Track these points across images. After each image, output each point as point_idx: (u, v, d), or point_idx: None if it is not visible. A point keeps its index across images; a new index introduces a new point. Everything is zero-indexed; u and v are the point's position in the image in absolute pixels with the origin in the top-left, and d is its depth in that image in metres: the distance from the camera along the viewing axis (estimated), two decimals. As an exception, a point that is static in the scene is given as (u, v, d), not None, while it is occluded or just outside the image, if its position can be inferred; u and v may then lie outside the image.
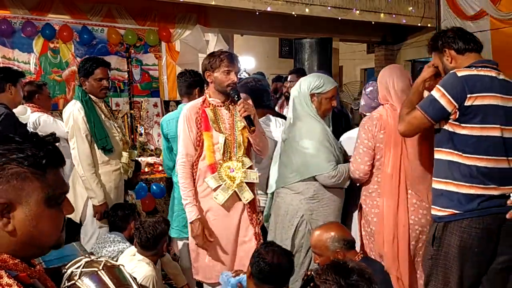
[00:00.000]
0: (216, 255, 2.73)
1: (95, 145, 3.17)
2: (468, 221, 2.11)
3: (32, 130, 3.77)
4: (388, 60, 9.05)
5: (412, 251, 2.55)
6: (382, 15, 7.71)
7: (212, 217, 2.70)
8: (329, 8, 7.22)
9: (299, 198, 2.77)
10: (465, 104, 2.09)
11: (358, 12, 7.48)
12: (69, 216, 3.46)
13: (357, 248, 2.91)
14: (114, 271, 1.27)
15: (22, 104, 3.78)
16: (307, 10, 7.05)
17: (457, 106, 2.10)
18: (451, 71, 2.19)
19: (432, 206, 2.27)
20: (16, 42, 5.90)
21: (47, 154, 1.00)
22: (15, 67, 5.36)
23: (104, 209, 3.18)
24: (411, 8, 7.91)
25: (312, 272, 2.17)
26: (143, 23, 6.67)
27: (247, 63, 11.08)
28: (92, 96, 3.22)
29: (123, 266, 1.34)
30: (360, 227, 2.80)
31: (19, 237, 0.97)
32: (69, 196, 3.72)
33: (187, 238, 3.08)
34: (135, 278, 1.33)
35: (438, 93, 2.14)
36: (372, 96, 2.95)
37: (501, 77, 2.18)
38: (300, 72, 5.32)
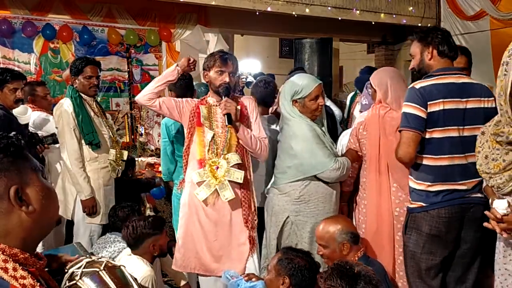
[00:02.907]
0: (201, 247, 2.72)
1: (83, 141, 3.22)
2: (435, 211, 2.35)
3: (32, 129, 3.78)
4: (388, 60, 9.05)
5: (397, 242, 2.67)
6: (382, 15, 7.71)
7: (203, 212, 2.69)
8: (329, 8, 7.22)
9: (285, 199, 2.78)
10: (428, 110, 2.31)
11: (358, 12, 7.48)
12: (59, 213, 3.47)
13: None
14: (115, 272, 1.27)
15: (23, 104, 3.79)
16: (307, 10, 7.05)
17: (426, 112, 2.31)
18: (409, 87, 2.42)
19: (409, 199, 2.50)
20: (16, 42, 5.92)
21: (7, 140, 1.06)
22: (16, 68, 5.38)
23: (91, 204, 3.20)
24: (411, 8, 7.91)
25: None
26: (143, 23, 6.68)
27: (253, 66, 11.07)
28: (83, 95, 3.29)
29: (124, 266, 1.34)
30: (357, 219, 2.90)
31: (37, 215, 1.04)
32: (59, 193, 3.70)
33: None
34: (136, 279, 1.33)
35: (408, 108, 2.35)
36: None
37: (463, 80, 2.37)
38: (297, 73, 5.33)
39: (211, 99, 2.74)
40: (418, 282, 2.48)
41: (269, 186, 2.96)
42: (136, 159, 4.88)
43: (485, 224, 1.91)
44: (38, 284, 0.97)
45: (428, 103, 2.31)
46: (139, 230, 2.66)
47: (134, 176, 4.36)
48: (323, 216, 2.72)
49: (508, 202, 1.85)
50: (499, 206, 1.85)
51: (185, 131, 2.76)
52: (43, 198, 1.05)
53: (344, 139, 3.15)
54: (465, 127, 2.33)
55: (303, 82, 2.74)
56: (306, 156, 2.72)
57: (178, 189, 2.84)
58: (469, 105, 2.34)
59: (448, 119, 2.31)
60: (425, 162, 2.37)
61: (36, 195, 1.05)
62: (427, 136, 2.35)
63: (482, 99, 2.36)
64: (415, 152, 2.34)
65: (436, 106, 2.31)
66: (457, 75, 2.39)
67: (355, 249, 2.38)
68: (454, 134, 2.32)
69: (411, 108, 2.33)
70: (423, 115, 2.31)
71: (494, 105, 2.34)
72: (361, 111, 3.30)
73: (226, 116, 2.58)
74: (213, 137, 2.67)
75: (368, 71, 4.70)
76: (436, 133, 2.33)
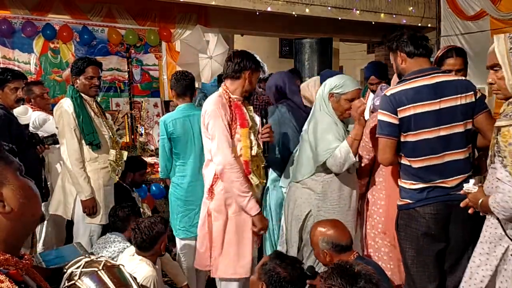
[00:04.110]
0: (248, 252, 2.72)
1: (83, 142, 3.22)
2: (421, 208, 2.42)
3: (32, 128, 3.78)
4: (388, 61, 9.01)
5: None
6: (382, 15, 7.71)
7: (243, 216, 2.69)
8: (329, 8, 7.22)
9: (308, 193, 2.81)
10: (399, 116, 2.38)
11: (358, 12, 7.48)
12: (59, 213, 3.47)
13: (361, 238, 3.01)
14: (114, 271, 1.27)
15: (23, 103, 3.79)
16: (307, 10, 7.05)
17: (397, 118, 2.38)
18: (382, 94, 2.50)
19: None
20: (16, 42, 5.90)
21: None
22: (16, 68, 5.37)
23: (91, 204, 3.20)
24: (411, 8, 7.91)
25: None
26: (143, 23, 6.67)
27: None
28: (83, 95, 3.28)
29: (123, 266, 1.34)
30: (366, 218, 2.91)
31: (15, 215, 1.02)
32: (59, 193, 3.73)
33: (194, 238, 3.15)
34: (135, 278, 1.33)
35: (381, 115, 2.45)
36: None
37: (437, 80, 2.39)
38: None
39: (236, 97, 2.70)
40: (413, 277, 2.51)
41: (288, 182, 2.99)
42: (142, 158, 4.86)
43: None
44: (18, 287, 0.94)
45: (398, 109, 2.37)
46: (155, 230, 2.66)
47: (144, 178, 4.24)
48: (342, 214, 2.77)
49: (475, 184, 2.09)
50: (468, 183, 2.12)
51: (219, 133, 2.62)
52: (20, 197, 1.04)
53: None
54: (441, 126, 2.36)
55: (346, 80, 2.78)
56: (319, 141, 2.72)
57: (208, 199, 2.72)
58: (444, 105, 2.36)
59: (421, 123, 2.36)
60: (405, 162, 2.46)
61: (13, 194, 1.03)
62: (402, 139, 2.43)
63: (458, 96, 2.37)
64: (392, 156, 2.44)
65: (406, 112, 2.36)
66: (430, 76, 2.40)
67: (342, 257, 2.30)
68: (430, 135, 2.36)
69: (383, 116, 2.42)
70: (395, 121, 2.39)
71: (473, 99, 2.38)
72: (372, 112, 3.27)
73: (265, 143, 2.80)
74: (254, 136, 2.70)
75: (372, 68, 4.58)
76: (410, 137, 2.39)
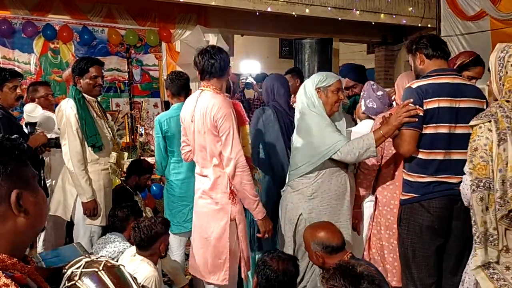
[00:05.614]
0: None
1: (85, 143, 3.21)
2: (426, 202, 2.48)
3: (37, 127, 3.79)
4: (388, 61, 9.05)
5: None
6: (382, 15, 7.71)
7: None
8: (329, 8, 7.22)
9: (298, 197, 2.81)
10: (424, 108, 2.44)
11: (358, 12, 7.48)
12: (58, 214, 3.46)
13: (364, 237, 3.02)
14: (115, 271, 1.27)
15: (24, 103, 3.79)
16: (307, 10, 7.05)
17: (423, 110, 2.44)
18: (406, 86, 2.57)
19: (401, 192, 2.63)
20: (16, 43, 5.91)
21: (15, 147, 1.05)
22: (16, 68, 5.37)
23: (93, 206, 3.20)
24: (411, 8, 7.91)
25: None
26: (143, 23, 6.67)
27: (252, 66, 11.07)
28: (86, 95, 3.28)
29: (123, 266, 1.34)
30: (374, 219, 2.91)
31: (29, 220, 1.03)
32: (59, 194, 3.72)
33: (187, 233, 3.25)
34: (135, 278, 1.32)
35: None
36: (384, 101, 3.02)
37: (458, 81, 2.50)
38: (295, 72, 5.30)
39: (227, 95, 2.76)
40: (412, 272, 2.55)
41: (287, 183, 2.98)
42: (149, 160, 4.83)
43: None
44: None
45: (424, 101, 2.44)
46: (154, 230, 2.66)
47: (148, 183, 4.23)
48: (335, 214, 2.76)
49: None
50: None
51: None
52: (37, 204, 1.05)
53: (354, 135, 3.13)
54: (457, 124, 2.45)
55: (327, 74, 2.86)
56: (319, 139, 2.71)
57: (232, 203, 2.61)
58: (462, 104, 2.45)
59: (442, 117, 2.44)
60: (418, 155, 2.50)
61: (33, 200, 1.04)
62: (423, 131, 2.48)
63: (475, 99, 2.48)
64: (414, 147, 2.49)
65: (431, 104, 2.43)
66: (452, 76, 2.52)
67: (335, 258, 2.29)
68: (446, 130, 2.45)
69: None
70: (421, 113, 2.44)
71: (484, 107, 2.48)
72: (364, 113, 3.26)
73: None
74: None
75: (346, 70, 4.53)
76: (429, 129, 2.46)
